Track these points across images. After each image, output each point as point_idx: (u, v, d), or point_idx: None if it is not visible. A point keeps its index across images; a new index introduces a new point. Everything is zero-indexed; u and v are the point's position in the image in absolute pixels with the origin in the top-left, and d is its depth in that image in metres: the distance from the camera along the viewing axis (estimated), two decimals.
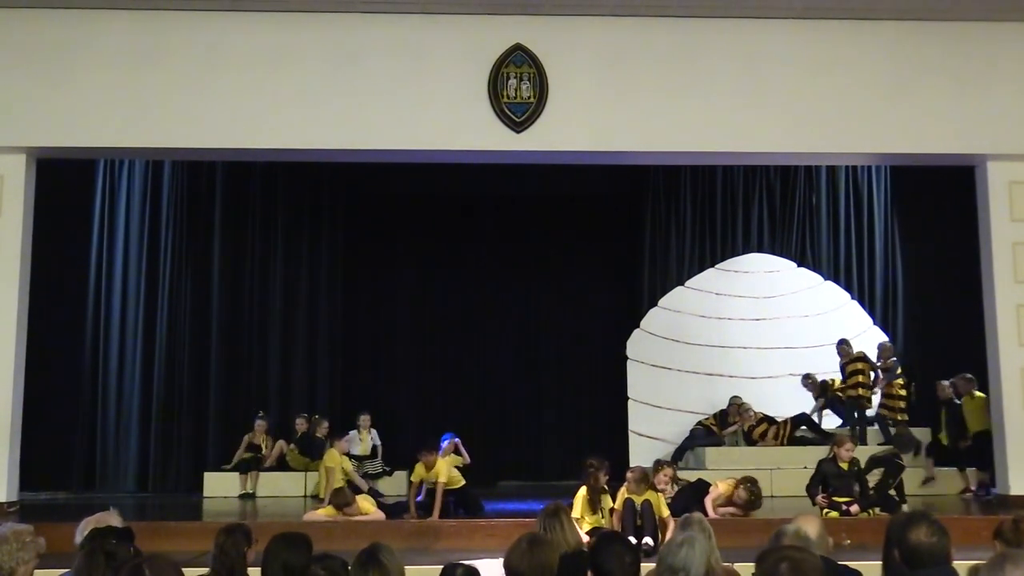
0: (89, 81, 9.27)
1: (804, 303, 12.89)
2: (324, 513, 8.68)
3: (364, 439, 11.50)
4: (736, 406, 11.93)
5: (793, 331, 12.57)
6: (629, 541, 3.73)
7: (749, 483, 8.73)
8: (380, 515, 8.73)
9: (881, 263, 13.73)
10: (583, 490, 7.88)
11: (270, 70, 9.39)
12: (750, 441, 11.60)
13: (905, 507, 8.73)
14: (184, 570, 3.35)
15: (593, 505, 7.79)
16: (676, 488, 8.99)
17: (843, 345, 11.90)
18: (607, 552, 3.56)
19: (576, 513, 7.58)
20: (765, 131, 9.60)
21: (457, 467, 10.27)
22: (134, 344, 12.65)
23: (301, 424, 11.73)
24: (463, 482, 9.49)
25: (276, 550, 3.83)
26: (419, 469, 9.11)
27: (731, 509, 8.71)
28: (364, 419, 11.55)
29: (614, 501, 7.83)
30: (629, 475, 7.78)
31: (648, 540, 7.28)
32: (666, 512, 7.64)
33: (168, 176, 12.92)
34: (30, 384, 9.56)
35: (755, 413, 11.66)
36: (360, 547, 3.49)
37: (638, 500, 7.59)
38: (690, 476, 9.60)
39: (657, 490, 7.91)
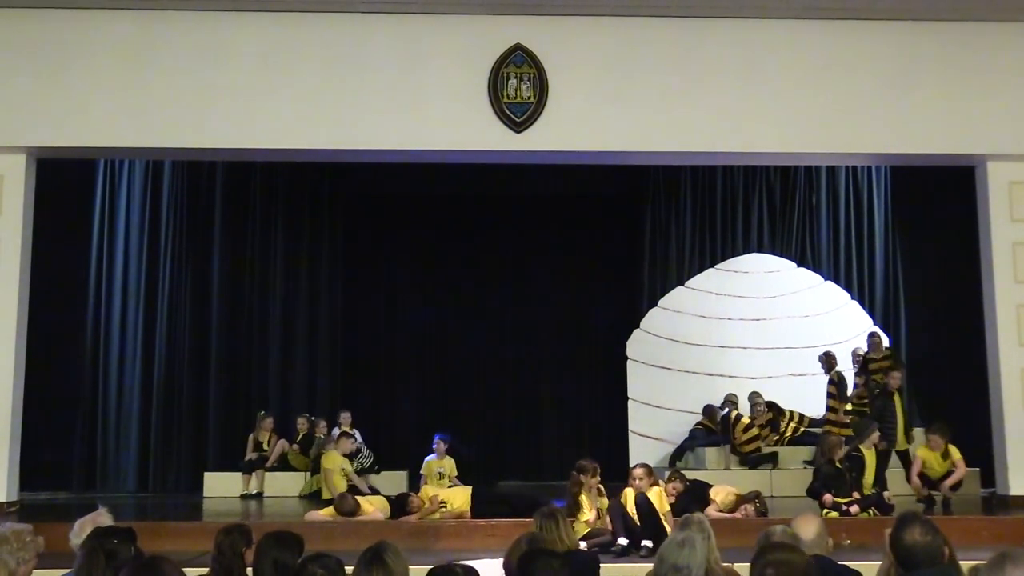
0: (89, 81, 9.28)
1: (804, 303, 12.89)
2: (326, 514, 8.69)
3: None
4: (731, 403, 11.92)
5: (793, 331, 12.57)
6: (553, 551, 3.71)
7: (757, 500, 8.72)
8: (380, 515, 8.71)
9: (881, 263, 13.72)
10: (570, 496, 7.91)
11: (270, 70, 9.39)
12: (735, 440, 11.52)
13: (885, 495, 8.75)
14: (184, 570, 3.35)
15: (573, 509, 7.76)
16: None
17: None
18: (535, 565, 3.46)
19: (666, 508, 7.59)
20: (765, 131, 9.60)
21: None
22: (134, 344, 12.65)
23: (302, 424, 11.73)
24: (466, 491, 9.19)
25: (267, 548, 3.84)
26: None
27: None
28: (345, 417, 11.42)
29: (609, 501, 7.83)
30: (637, 471, 7.77)
31: (647, 543, 7.25)
32: (667, 508, 7.61)
33: (168, 176, 12.92)
34: (30, 384, 9.56)
35: (748, 419, 11.54)
36: (360, 547, 3.48)
37: (630, 498, 7.56)
38: (690, 476, 9.58)
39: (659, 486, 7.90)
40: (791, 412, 11.80)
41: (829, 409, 11.33)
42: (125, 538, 3.96)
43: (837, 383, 11.20)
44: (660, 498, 7.66)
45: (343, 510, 8.54)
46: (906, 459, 9.75)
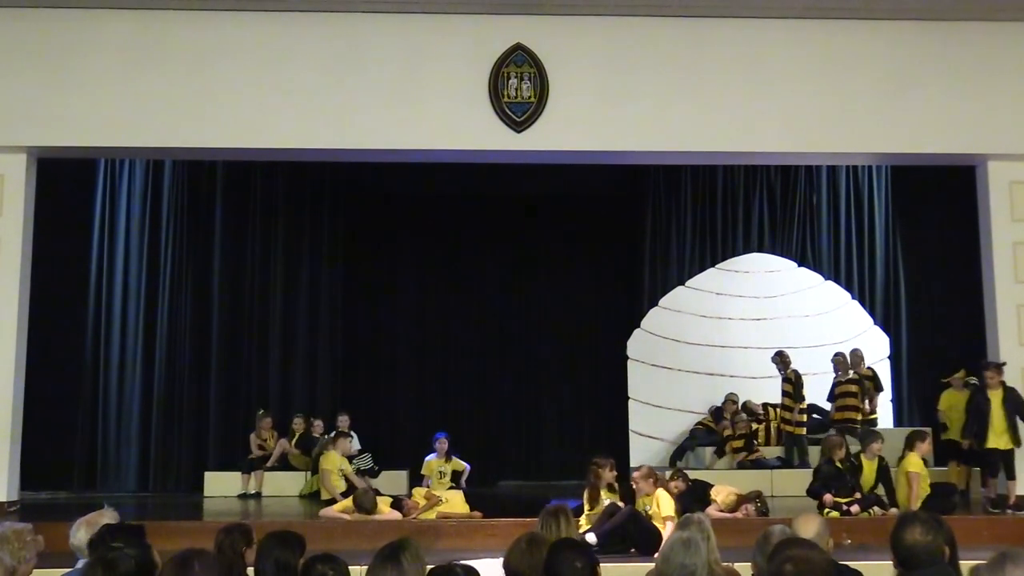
0: (89, 81, 9.28)
1: (804, 303, 12.89)
2: (339, 509, 8.74)
3: None
4: (732, 402, 11.91)
5: (794, 331, 12.57)
6: (583, 546, 3.69)
7: (758, 500, 8.71)
8: (396, 515, 8.71)
9: (881, 263, 13.72)
10: (587, 489, 7.92)
11: (270, 70, 9.39)
12: (721, 452, 11.41)
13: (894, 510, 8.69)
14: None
15: (592, 503, 7.79)
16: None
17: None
18: (559, 559, 3.42)
19: (670, 511, 7.52)
20: (765, 131, 9.60)
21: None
22: (134, 344, 12.65)
23: (298, 424, 11.73)
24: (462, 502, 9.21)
25: (269, 547, 3.84)
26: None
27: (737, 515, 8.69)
28: (343, 420, 11.35)
29: (621, 499, 7.84)
30: (636, 475, 7.77)
31: (590, 536, 7.15)
32: (669, 512, 7.51)
33: (168, 176, 12.92)
34: (30, 384, 9.57)
35: (743, 423, 11.43)
36: (362, 547, 3.48)
37: (642, 501, 7.57)
38: (691, 476, 9.57)
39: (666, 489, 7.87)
40: (773, 411, 11.75)
41: (784, 408, 11.32)
42: (135, 537, 3.94)
43: (793, 382, 11.19)
44: (658, 503, 7.55)
45: (364, 505, 8.55)
46: (1002, 457, 9.19)
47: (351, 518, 8.56)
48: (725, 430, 11.47)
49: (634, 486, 7.67)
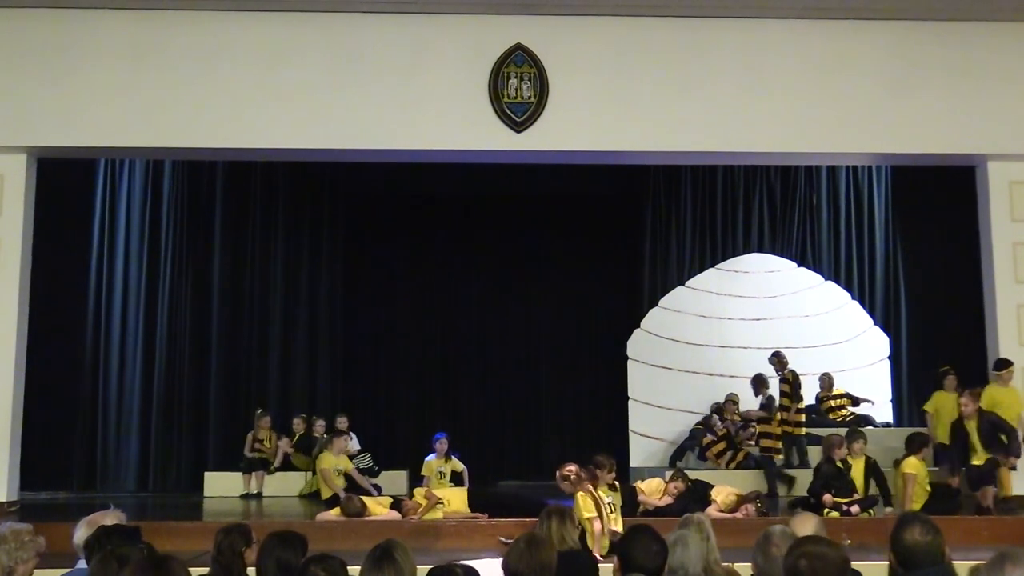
0: (89, 81, 9.29)
1: (804, 303, 12.88)
2: (336, 514, 8.71)
3: None
4: (732, 403, 11.89)
5: (794, 331, 12.56)
6: (656, 531, 3.72)
7: (758, 500, 8.70)
8: (395, 514, 8.69)
9: (881, 263, 13.73)
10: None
11: (270, 70, 9.40)
12: (703, 456, 11.34)
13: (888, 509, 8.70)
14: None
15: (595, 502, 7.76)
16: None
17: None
18: (635, 543, 3.51)
19: (590, 511, 7.40)
20: (765, 131, 9.60)
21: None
22: (134, 344, 12.65)
23: (298, 424, 11.73)
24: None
25: (271, 548, 3.84)
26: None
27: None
28: (341, 421, 11.31)
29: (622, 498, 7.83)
30: (558, 473, 7.70)
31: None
32: (587, 515, 7.20)
33: (168, 176, 12.92)
34: (30, 384, 9.57)
35: (720, 429, 11.40)
36: (362, 547, 3.48)
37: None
38: (691, 476, 9.57)
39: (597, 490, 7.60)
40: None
41: (782, 408, 11.29)
42: (131, 539, 3.94)
43: (791, 382, 11.15)
44: (579, 505, 7.25)
45: (349, 511, 8.54)
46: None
47: (347, 519, 8.56)
48: (705, 438, 11.39)
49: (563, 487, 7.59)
